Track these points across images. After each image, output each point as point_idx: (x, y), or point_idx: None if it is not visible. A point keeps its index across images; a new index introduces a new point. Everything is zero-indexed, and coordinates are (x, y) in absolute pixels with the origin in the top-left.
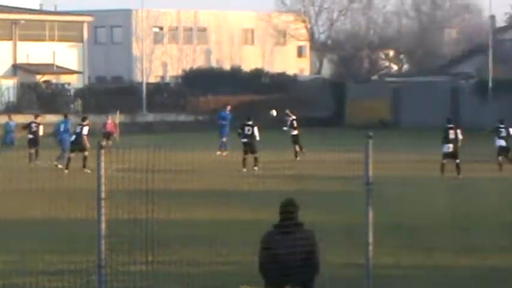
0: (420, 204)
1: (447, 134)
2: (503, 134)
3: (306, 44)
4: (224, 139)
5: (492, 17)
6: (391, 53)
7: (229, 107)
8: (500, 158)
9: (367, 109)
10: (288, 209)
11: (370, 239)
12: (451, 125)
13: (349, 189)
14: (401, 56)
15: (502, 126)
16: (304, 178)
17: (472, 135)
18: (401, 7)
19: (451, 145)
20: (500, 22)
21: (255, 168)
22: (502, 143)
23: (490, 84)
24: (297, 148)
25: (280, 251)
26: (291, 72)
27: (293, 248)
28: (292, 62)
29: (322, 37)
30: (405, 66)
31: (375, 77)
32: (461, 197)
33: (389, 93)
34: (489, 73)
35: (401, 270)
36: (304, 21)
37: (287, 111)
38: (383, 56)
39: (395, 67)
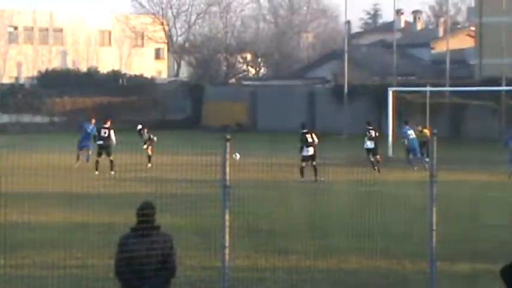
0: (277, 207)
1: (305, 138)
2: (373, 135)
3: (164, 47)
4: (90, 152)
5: (348, 23)
6: (249, 56)
7: (93, 120)
8: (371, 159)
9: (225, 112)
10: (145, 211)
11: (227, 242)
12: (306, 130)
13: (206, 192)
14: (259, 60)
15: (370, 128)
16: (161, 181)
17: (327, 139)
18: (259, 11)
19: (310, 148)
20: (356, 28)
21: (112, 172)
22: (370, 145)
23: (346, 89)
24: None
25: (137, 254)
26: (148, 74)
27: (150, 251)
28: (150, 64)
29: (180, 40)
30: (262, 70)
31: (232, 80)
32: (318, 200)
33: (246, 97)
34: (345, 78)
35: (257, 272)
36: (162, 24)
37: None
38: (241, 60)
39: (252, 71)
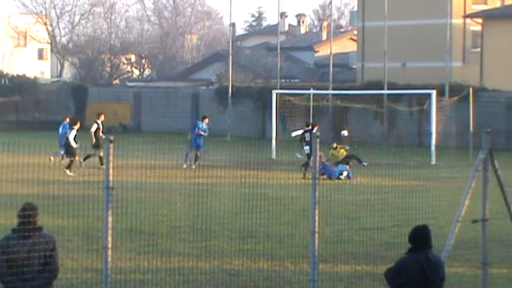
0: (160, 209)
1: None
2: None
3: (47, 47)
4: None
5: (232, 25)
6: (133, 57)
7: None
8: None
9: (108, 113)
10: (27, 213)
11: (109, 244)
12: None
13: (89, 193)
14: (143, 61)
15: (308, 130)
16: (43, 182)
17: (212, 141)
18: (144, 12)
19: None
20: (240, 30)
21: None
22: (307, 150)
23: (230, 91)
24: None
25: (18, 256)
26: (31, 74)
27: (31, 253)
28: (33, 64)
29: (64, 40)
30: (147, 71)
31: (116, 81)
32: (201, 201)
33: (130, 98)
34: (229, 80)
35: (139, 274)
36: (45, 23)
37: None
38: (125, 61)
39: (137, 72)
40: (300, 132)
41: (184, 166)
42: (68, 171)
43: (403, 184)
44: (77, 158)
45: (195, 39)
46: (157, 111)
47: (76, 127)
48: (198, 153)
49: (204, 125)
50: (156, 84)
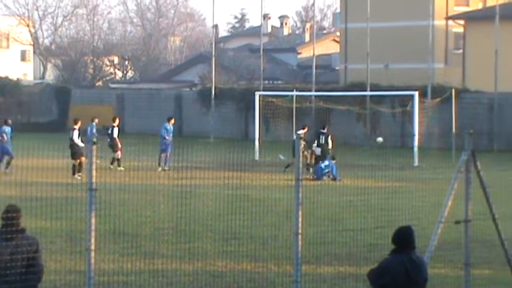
0: (143, 210)
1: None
2: (321, 141)
3: (30, 48)
4: None
5: (215, 27)
6: (116, 59)
7: None
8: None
9: (91, 115)
10: (10, 215)
11: (92, 246)
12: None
13: (72, 195)
14: (126, 63)
15: (323, 132)
16: (26, 184)
17: (195, 142)
18: (126, 14)
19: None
20: (223, 32)
21: None
22: (318, 152)
23: (213, 92)
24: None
25: (2, 258)
26: (14, 76)
27: (15, 255)
28: (16, 66)
29: (47, 42)
30: (130, 73)
31: (99, 83)
32: (184, 203)
33: (113, 100)
34: (212, 81)
35: (122, 276)
36: (28, 25)
37: None
38: (108, 62)
39: (120, 73)
40: None
41: (159, 169)
42: (76, 174)
43: (386, 185)
44: (83, 159)
45: (178, 41)
46: (140, 112)
47: (77, 126)
48: (167, 156)
49: (170, 126)
50: (139, 86)
